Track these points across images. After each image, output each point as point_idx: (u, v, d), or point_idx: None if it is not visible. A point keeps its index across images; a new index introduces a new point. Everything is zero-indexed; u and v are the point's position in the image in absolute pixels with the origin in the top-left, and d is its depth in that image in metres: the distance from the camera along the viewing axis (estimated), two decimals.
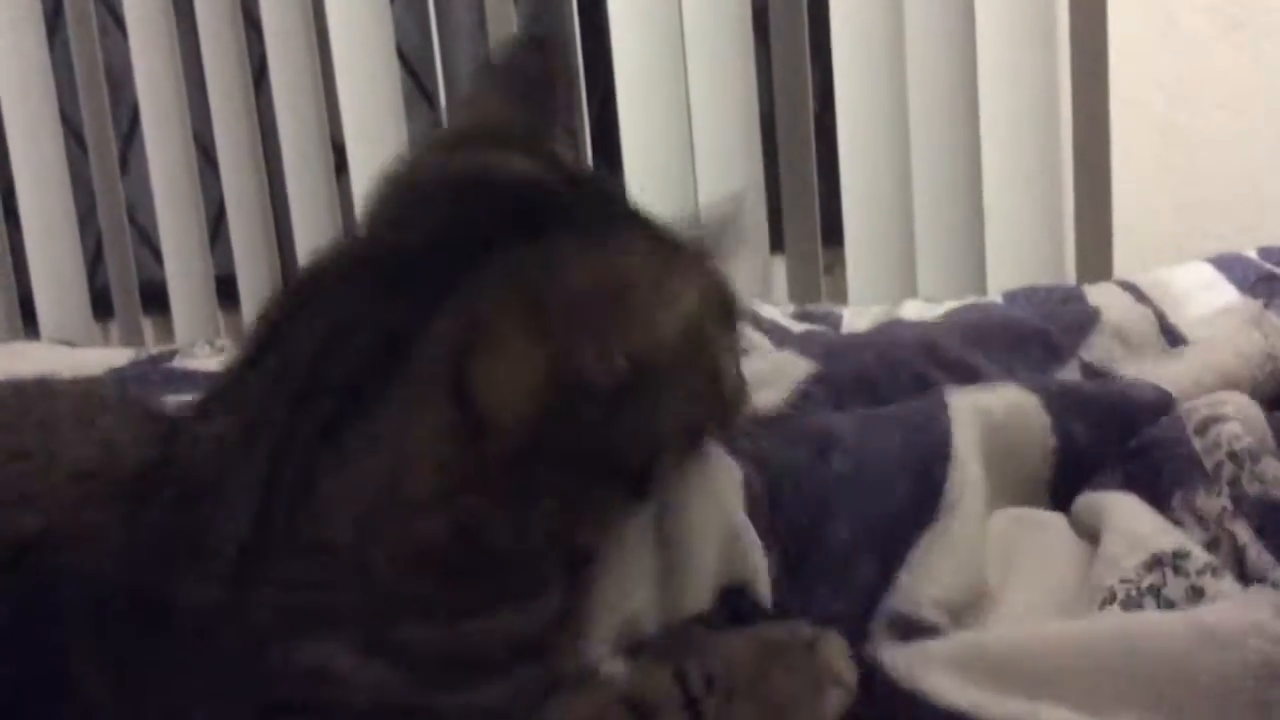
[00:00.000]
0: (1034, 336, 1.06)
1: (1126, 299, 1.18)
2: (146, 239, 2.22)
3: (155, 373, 1.46)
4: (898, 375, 0.96)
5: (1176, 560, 0.67)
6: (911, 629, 0.66)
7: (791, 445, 0.79)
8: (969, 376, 0.95)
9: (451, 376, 0.47)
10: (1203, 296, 1.24)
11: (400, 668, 0.47)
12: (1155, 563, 0.68)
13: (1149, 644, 0.58)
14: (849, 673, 0.63)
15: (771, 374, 0.95)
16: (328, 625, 0.47)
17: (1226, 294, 1.25)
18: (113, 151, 2.14)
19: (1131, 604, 0.66)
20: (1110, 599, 0.67)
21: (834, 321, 1.44)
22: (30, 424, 0.59)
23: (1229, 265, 1.30)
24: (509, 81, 0.65)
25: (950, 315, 1.22)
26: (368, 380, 0.48)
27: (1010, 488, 0.80)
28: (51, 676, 0.47)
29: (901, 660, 0.63)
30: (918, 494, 0.74)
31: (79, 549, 0.48)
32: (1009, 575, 0.72)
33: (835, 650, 0.64)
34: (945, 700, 0.60)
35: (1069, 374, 1.02)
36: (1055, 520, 0.79)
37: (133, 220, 2.19)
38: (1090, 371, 1.01)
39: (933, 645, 0.64)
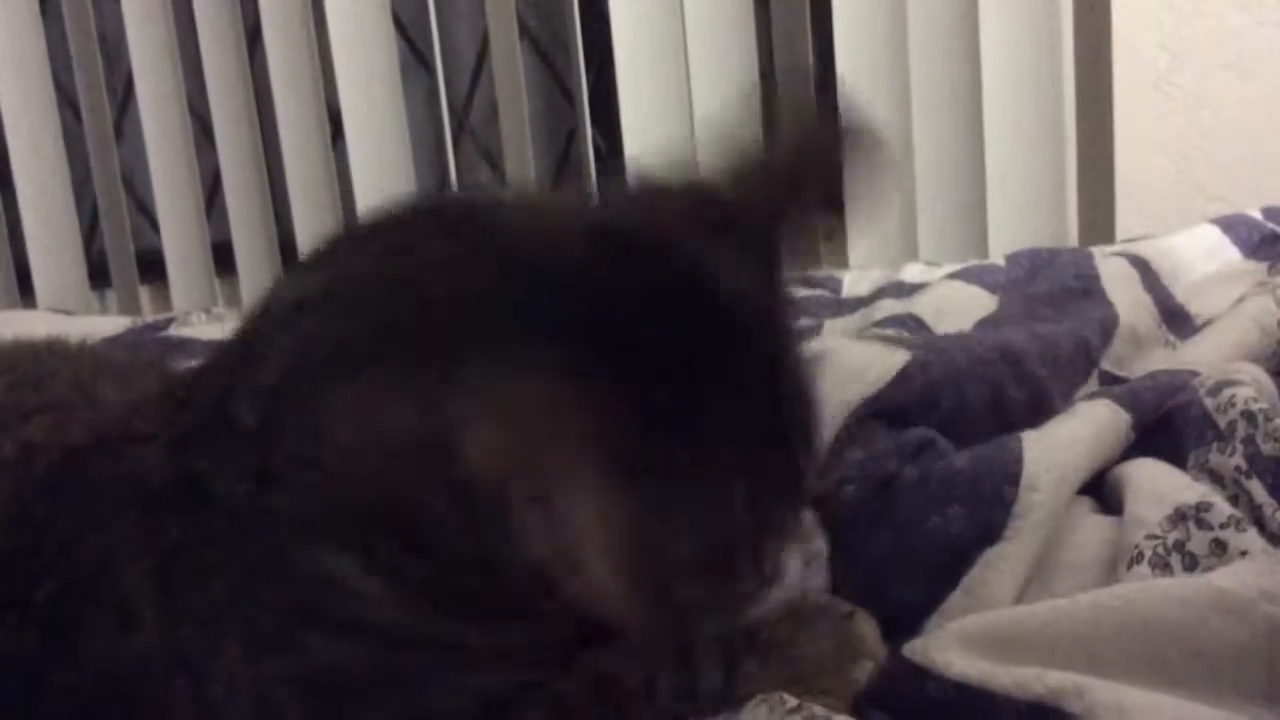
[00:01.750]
0: (1079, 349, 1.03)
1: (1134, 287, 1.15)
2: (143, 208, 2.21)
3: (151, 341, 1.46)
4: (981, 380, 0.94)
5: (1199, 513, 0.67)
6: None
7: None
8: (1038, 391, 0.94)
9: None
10: (1207, 260, 1.23)
11: (402, 588, 0.46)
12: (1179, 517, 0.67)
13: (1158, 611, 0.57)
14: (879, 646, 0.63)
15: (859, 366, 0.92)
16: (333, 536, 0.46)
17: (1231, 256, 1.25)
18: (107, 120, 2.13)
19: (1159, 563, 0.65)
20: (1138, 559, 0.66)
21: (834, 286, 1.44)
22: (63, 379, 0.60)
23: (1233, 226, 1.29)
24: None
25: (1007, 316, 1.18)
26: None
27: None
28: (97, 588, 0.48)
29: (919, 642, 0.63)
30: (976, 525, 0.72)
31: (128, 453, 0.48)
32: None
33: (868, 625, 0.64)
34: (954, 671, 0.59)
35: (1091, 385, 1.00)
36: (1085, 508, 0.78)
37: (129, 189, 2.18)
38: (1108, 379, 1.00)
39: (948, 626, 0.64)
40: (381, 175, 2.00)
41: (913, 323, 1.23)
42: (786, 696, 0.56)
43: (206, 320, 1.58)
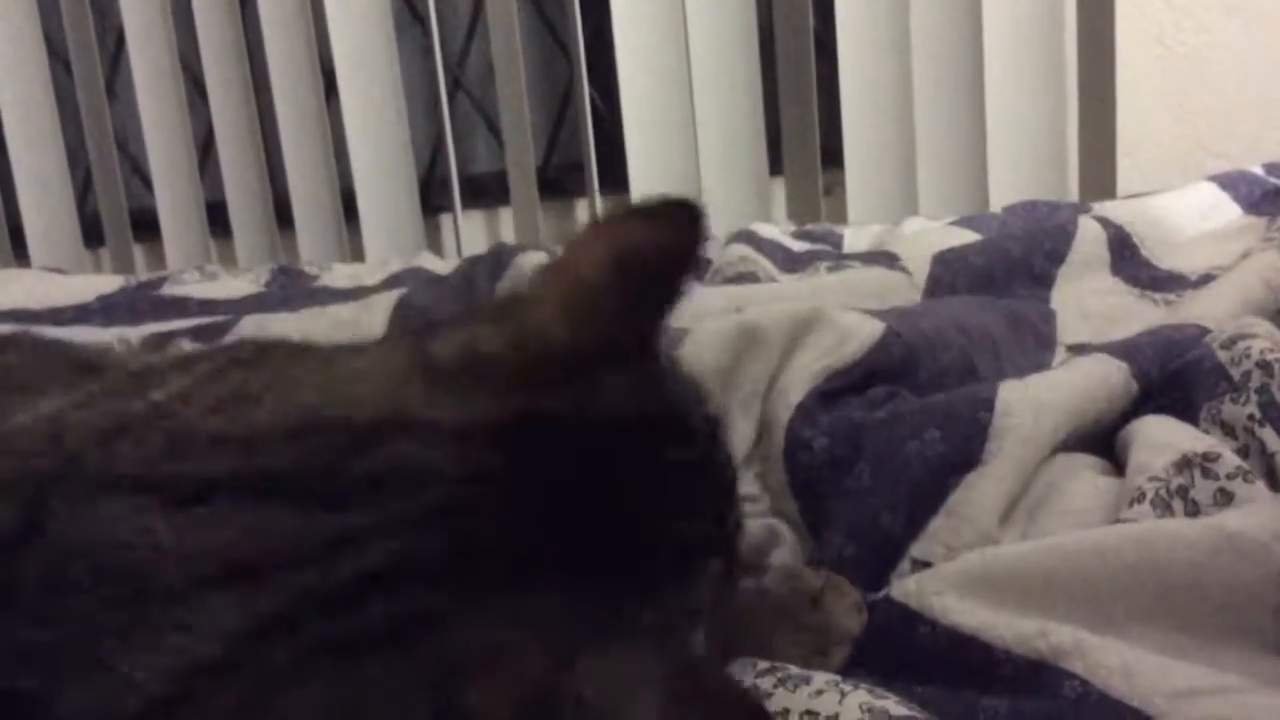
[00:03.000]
0: (1027, 327, 1.04)
1: (1098, 274, 1.14)
2: (136, 166, 2.20)
3: (145, 299, 1.45)
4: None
5: (1206, 462, 0.66)
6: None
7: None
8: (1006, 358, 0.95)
9: None
10: (1207, 217, 1.23)
11: None
12: (1185, 463, 0.67)
13: (1165, 552, 0.56)
14: (856, 617, 0.62)
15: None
16: None
17: (1231, 213, 1.24)
18: (99, 78, 2.11)
19: (1159, 504, 0.65)
20: (1139, 498, 0.65)
21: (834, 241, 1.43)
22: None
23: (1234, 183, 1.28)
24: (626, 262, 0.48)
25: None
26: None
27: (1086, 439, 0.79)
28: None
29: (912, 583, 0.62)
30: (954, 447, 0.72)
31: (415, 433, 0.45)
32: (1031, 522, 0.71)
33: (842, 606, 0.63)
34: (949, 618, 0.58)
35: (1057, 359, 1.00)
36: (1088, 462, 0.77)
37: (122, 148, 2.17)
38: (1079, 350, 0.99)
39: (945, 566, 0.63)
40: (376, 132, 1.98)
41: (884, 261, 1.23)
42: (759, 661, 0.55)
43: (200, 279, 1.57)
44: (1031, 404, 0.74)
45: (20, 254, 2.16)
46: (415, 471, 0.44)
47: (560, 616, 0.43)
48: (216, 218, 2.09)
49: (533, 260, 1.38)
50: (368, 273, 1.56)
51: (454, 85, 2.11)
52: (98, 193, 2.14)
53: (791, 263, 1.30)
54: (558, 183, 2.07)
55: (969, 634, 0.57)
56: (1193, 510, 0.64)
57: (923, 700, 0.53)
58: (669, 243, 0.47)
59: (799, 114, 1.83)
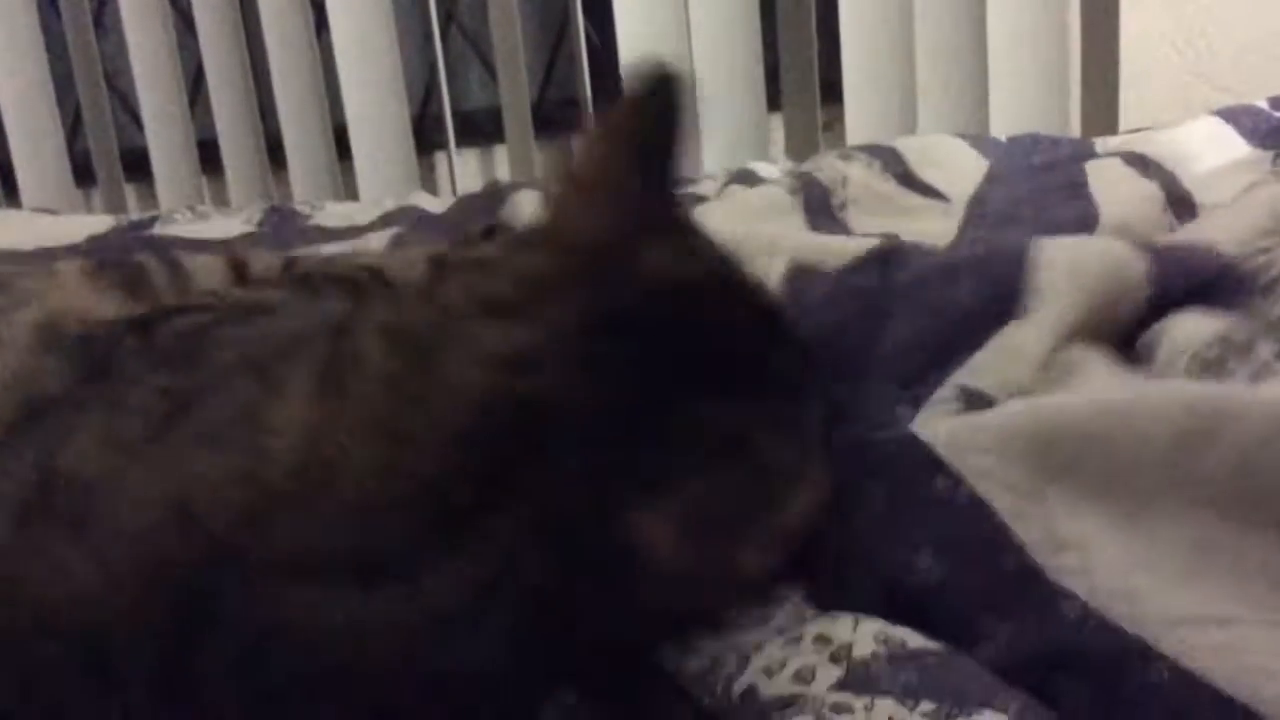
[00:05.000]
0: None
1: (1130, 175, 1.13)
2: (126, 104, 2.17)
3: (136, 240, 1.43)
4: None
5: (1244, 346, 0.63)
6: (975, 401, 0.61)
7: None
8: None
9: None
10: (1213, 151, 1.21)
11: None
12: (1223, 341, 0.63)
13: (1224, 422, 0.50)
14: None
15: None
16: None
17: (1236, 147, 1.22)
18: (87, 14, 2.08)
19: (1194, 369, 0.62)
20: (1170, 365, 0.63)
21: None
22: None
23: (1238, 117, 1.27)
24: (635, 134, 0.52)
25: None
26: None
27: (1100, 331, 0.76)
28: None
29: (949, 428, 0.57)
30: (989, 295, 0.69)
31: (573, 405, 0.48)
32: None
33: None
34: (978, 483, 0.54)
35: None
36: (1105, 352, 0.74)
37: (111, 86, 2.14)
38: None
39: (983, 416, 0.58)
40: (368, 68, 1.95)
41: (889, 155, 1.22)
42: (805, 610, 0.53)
43: (192, 218, 1.55)
44: (1067, 260, 0.71)
45: (10, 195, 2.14)
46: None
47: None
48: (208, 156, 2.07)
49: (529, 198, 1.36)
50: (361, 212, 1.55)
51: (447, 20, 2.08)
52: (88, 132, 2.12)
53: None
54: (553, 119, 2.04)
55: (985, 502, 0.53)
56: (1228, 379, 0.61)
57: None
58: (656, 112, 0.50)
59: (797, 48, 1.81)
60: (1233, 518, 0.49)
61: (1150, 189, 1.10)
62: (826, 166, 1.18)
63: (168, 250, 0.73)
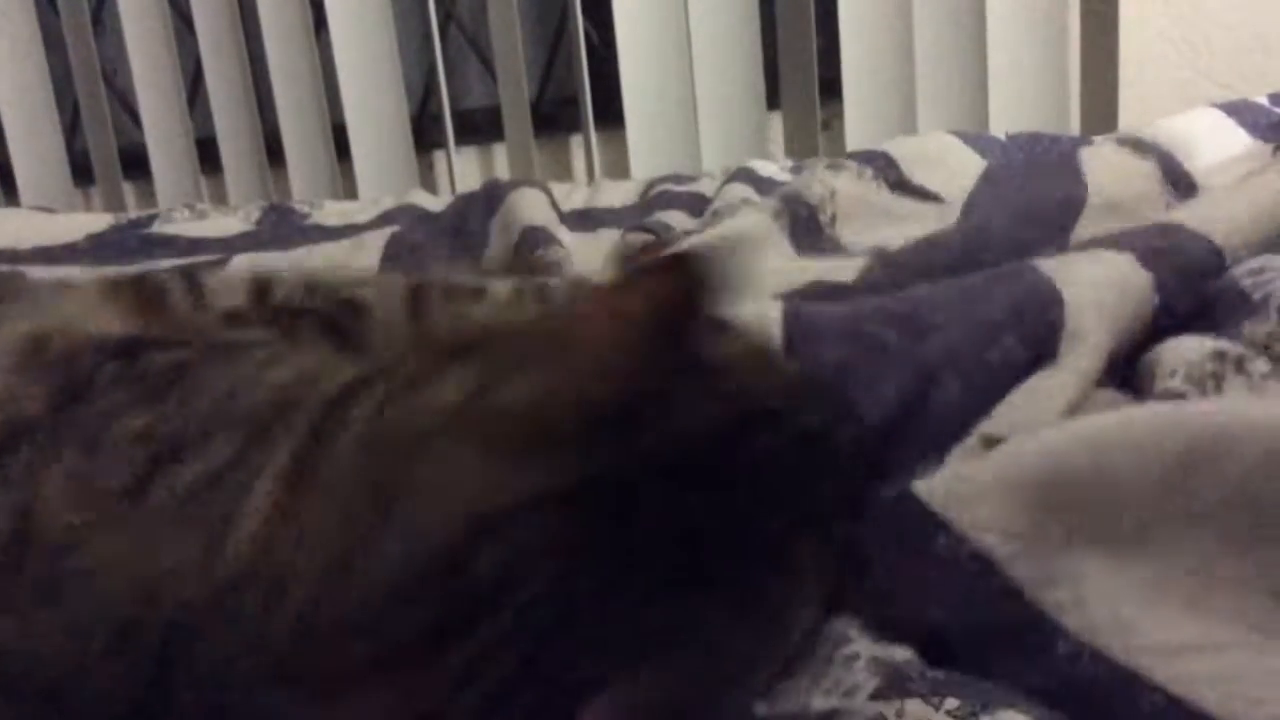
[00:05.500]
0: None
1: (1123, 156, 1.13)
2: (125, 103, 2.17)
3: (134, 238, 1.43)
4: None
5: (1239, 361, 0.64)
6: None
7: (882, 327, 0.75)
8: None
9: None
10: (1214, 141, 1.20)
11: None
12: (1218, 356, 0.64)
13: (1223, 447, 0.50)
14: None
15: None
16: None
17: (1239, 138, 1.22)
18: (85, 12, 2.07)
19: (1193, 380, 0.62)
20: (1171, 375, 0.63)
21: None
22: None
23: (1239, 111, 1.26)
24: None
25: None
26: None
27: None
28: None
29: (936, 483, 0.57)
30: (1030, 348, 0.70)
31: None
32: None
33: None
34: (978, 540, 0.54)
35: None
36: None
37: (110, 84, 2.14)
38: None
39: (982, 474, 0.57)
40: (366, 67, 1.95)
41: (881, 161, 1.21)
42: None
43: (191, 217, 1.55)
44: (1095, 308, 0.71)
45: (9, 193, 2.14)
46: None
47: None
48: (207, 155, 2.07)
49: (527, 197, 1.36)
50: (360, 210, 1.55)
51: (446, 18, 2.08)
52: (86, 130, 2.12)
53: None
54: (552, 118, 2.04)
55: (987, 555, 0.53)
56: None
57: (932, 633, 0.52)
58: (683, 289, 0.46)
59: (797, 46, 1.80)
60: (1233, 541, 0.49)
61: (1147, 167, 1.10)
62: (815, 181, 1.17)
63: (195, 273, 0.72)
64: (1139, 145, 1.14)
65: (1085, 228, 0.99)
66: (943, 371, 0.70)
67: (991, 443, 0.62)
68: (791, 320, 0.76)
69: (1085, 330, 0.70)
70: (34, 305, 0.65)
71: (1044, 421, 0.64)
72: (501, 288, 0.79)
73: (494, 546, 0.44)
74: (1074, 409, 0.66)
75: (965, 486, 0.56)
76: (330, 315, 0.71)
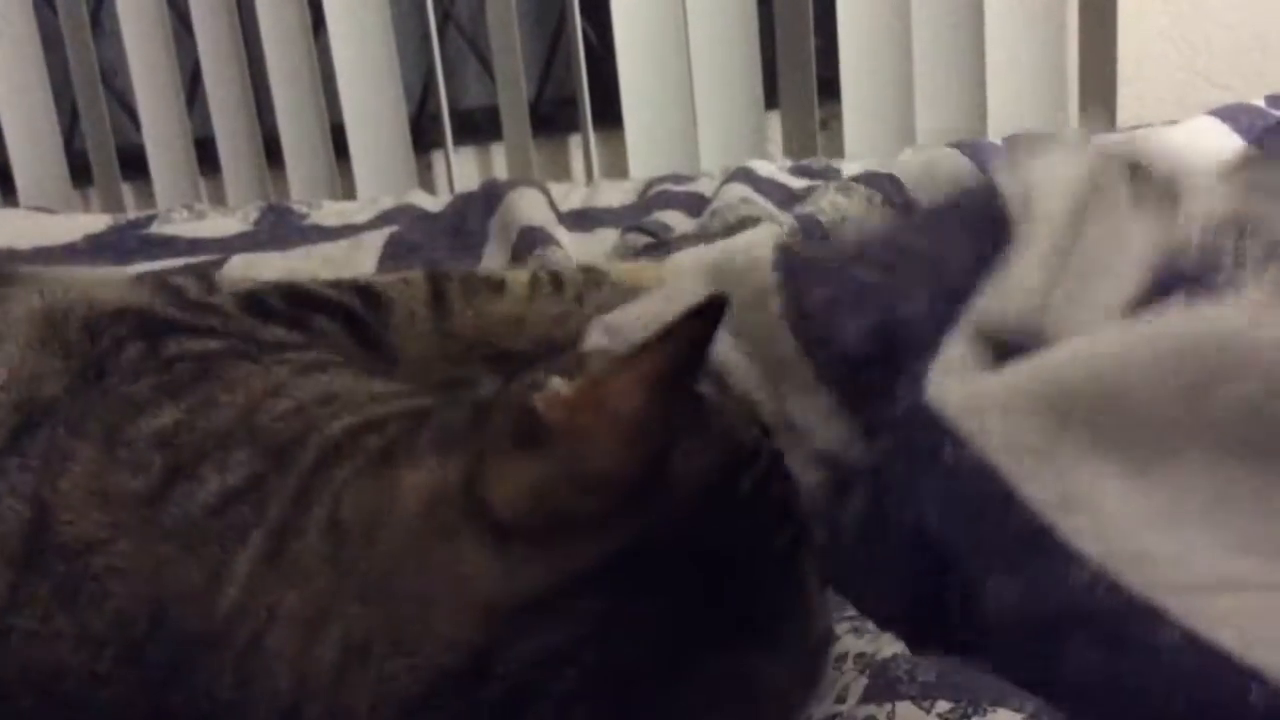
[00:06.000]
0: None
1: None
2: (123, 103, 2.16)
3: (133, 238, 1.43)
4: None
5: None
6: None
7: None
8: None
9: None
10: (1207, 148, 1.20)
11: None
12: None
13: (1232, 364, 0.49)
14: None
15: None
16: None
17: (1234, 145, 1.22)
18: (84, 13, 2.07)
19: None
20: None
21: (833, 176, 1.41)
22: None
23: (1234, 115, 1.26)
24: None
25: None
26: None
27: None
28: None
29: (949, 390, 0.57)
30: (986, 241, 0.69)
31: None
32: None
33: None
34: (980, 445, 0.53)
35: None
36: None
37: (108, 85, 2.13)
38: None
39: (995, 378, 0.57)
40: (365, 67, 1.95)
41: (887, 184, 1.21)
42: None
43: (189, 217, 1.55)
44: (1042, 185, 0.71)
45: (8, 194, 2.14)
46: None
47: None
48: (206, 155, 2.06)
49: (525, 197, 1.36)
50: (358, 210, 1.55)
51: (444, 19, 2.08)
52: (85, 131, 2.11)
53: (791, 202, 1.28)
54: (551, 118, 2.04)
55: (991, 466, 0.53)
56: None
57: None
58: (685, 357, 0.45)
59: (795, 46, 1.80)
60: (1252, 459, 0.48)
61: None
62: (828, 205, 1.17)
63: (208, 270, 0.71)
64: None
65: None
66: (912, 294, 0.70)
67: (1000, 347, 0.61)
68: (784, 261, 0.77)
69: (1037, 209, 0.69)
70: (44, 285, 0.64)
71: (1028, 307, 0.63)
72: (520, 279, 0.78)
73: (523, 642, 0.44)
74: (1048, 285, 0.64)
75: (977, 400, 0.56)
76: (351, 308, 0.70)
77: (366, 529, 0.47)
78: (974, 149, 1.32)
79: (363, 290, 0.72)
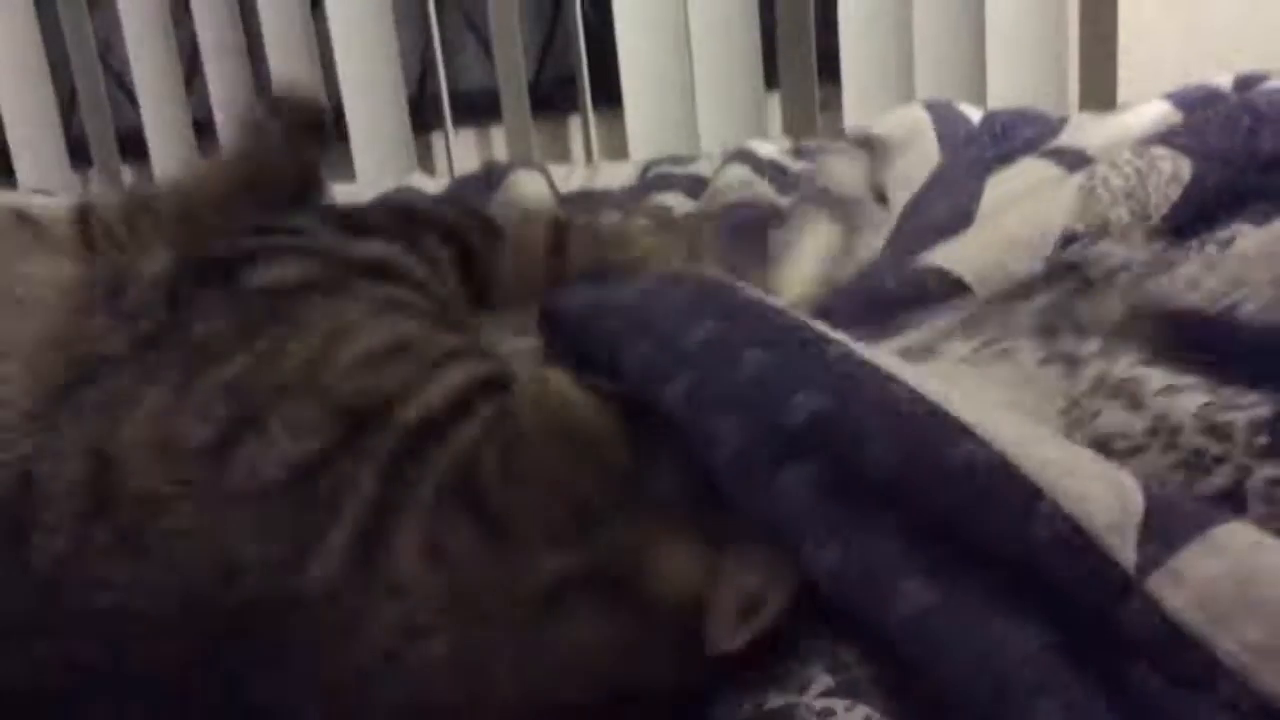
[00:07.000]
0: None
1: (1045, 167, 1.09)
2: (121, 83, 2.16)
3: None
4: None
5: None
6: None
7: None
8: None
9: None
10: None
11: None
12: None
13: None
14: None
15: None
16: None
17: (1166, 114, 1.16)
18: None
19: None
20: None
21: None
22: None
23: (1184, 98, 1.20)
24: None
25: None
26: None
27: None
28: None
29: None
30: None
31: None
32: None
33: None
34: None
35: None
36: None
37: (106, 65, 2.13)
38: None
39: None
40: (363, 46, 1.94)
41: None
42: None
43: None
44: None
45: (7, 176, 2.13)
46: None
47: None
48: (204, 136, 2.06)
49: (525, 180, 1.36)
50: (358, 192, 1.54)
51: None
52: (83, 112, 2.11)
53: (791, 186, 1.26)
54: (550, 99, 2.03)
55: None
56: None
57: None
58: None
59: (795, 26, 1.80)
60: None
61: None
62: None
63: None
64: (1061, 155, 1.06)
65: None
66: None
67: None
68: None
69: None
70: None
71: None
72: (639, 225, 0.77)
73: (631, 709, 0.45)
74: None
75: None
76: (463, 232, 0.67)
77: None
78: (945, 118, 1.26)
79: (485, 221, 0.70)
